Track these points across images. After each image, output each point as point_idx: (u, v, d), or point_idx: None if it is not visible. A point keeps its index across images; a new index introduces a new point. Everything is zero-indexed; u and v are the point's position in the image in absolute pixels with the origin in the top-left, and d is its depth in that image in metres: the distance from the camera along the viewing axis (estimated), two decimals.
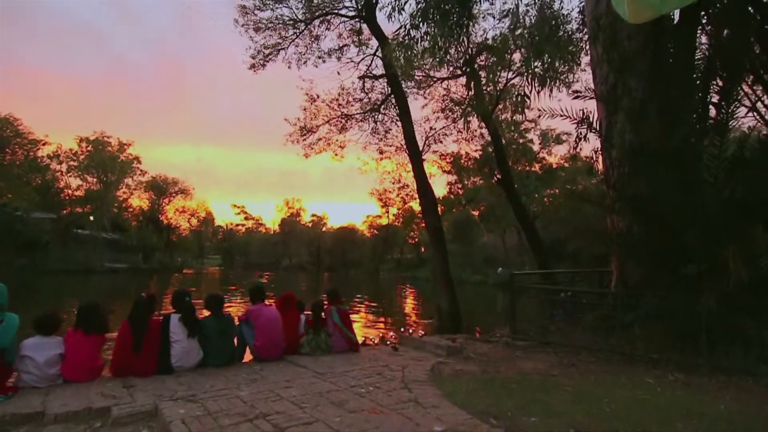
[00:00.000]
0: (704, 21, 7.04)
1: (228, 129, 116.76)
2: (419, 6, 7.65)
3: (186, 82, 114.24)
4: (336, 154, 15.99)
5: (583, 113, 6.86)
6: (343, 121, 15.36)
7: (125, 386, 3.85)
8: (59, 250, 34.87)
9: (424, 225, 17.24)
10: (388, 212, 50.10)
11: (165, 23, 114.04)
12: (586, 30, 8.57)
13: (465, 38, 8.40)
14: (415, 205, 30.18)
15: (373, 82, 14.95)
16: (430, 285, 22.49)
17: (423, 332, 9.32)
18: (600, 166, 7.70)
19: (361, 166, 18.22)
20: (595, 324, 6.25)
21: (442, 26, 7.35)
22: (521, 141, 22.69)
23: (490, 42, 10.22)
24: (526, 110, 6.88)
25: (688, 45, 6.52)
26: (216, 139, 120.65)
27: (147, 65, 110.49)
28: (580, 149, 9.21)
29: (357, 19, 14.07)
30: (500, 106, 13.27)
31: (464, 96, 13.86)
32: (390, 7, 8.19)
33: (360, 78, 14.76)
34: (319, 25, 14.34)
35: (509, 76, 11.44)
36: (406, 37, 7.58)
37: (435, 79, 14.15)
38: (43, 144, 36.65)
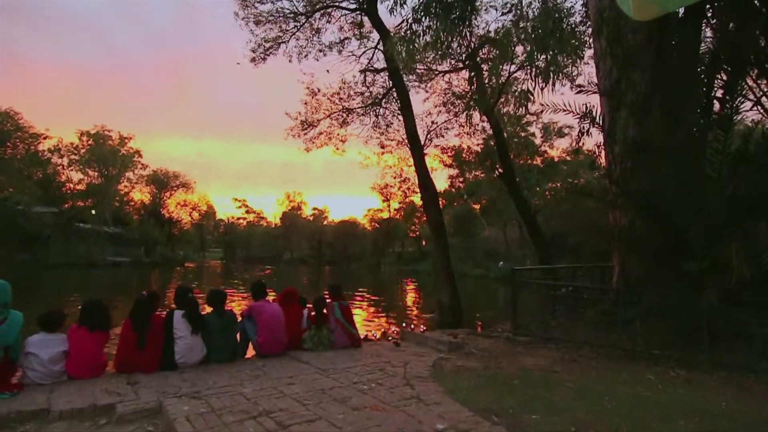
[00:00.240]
0: (709, 14, 6.96)
1: (229, 122, 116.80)
2: None
3: (187, 75, 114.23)
4: (337, 149, 15.91)
5: (586, 108, 6.83)
6: (344, 115, 15.27)
7: (129, 383, 3.88)
8: (61, 244, 34.95)
9: (425, 219, 17.22)
10: (389, 206, 50.09)
11: (166, 16, 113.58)
12: (589, 23, 8.49)
13: (467, 31, 8.28)
14: (417, 199, 30.12)
15: (374, 75, 14.84)
16: (432, 279, 22.53)
17: (424, 327, 9.36)
18: (602, 161, 7.67)
19: (363, 160, 18.22)
20: (597, 319, 6.26)
21: (444, 20, 7.27)
22: (523, 134, 22.57)
23: (492, 35, 10.11)
24: (528, 105, 6.82)
25: (692, 39, 6.45)
26: (217, 132, 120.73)
27: (148, 58, 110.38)
28: (583, 143, 9.17)
29: (358, 12, 13.92)
30: (502, 100, 13.19)
31: (466, 89, 13.77)
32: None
33: (361, 72, 14.67)
34: (320, 18, 14.21)
35: (512, 70, 11.36)
36: (408, 31, 7.50)
37: (437, 73, 14.02)
38: (44, 138, 36.81)
